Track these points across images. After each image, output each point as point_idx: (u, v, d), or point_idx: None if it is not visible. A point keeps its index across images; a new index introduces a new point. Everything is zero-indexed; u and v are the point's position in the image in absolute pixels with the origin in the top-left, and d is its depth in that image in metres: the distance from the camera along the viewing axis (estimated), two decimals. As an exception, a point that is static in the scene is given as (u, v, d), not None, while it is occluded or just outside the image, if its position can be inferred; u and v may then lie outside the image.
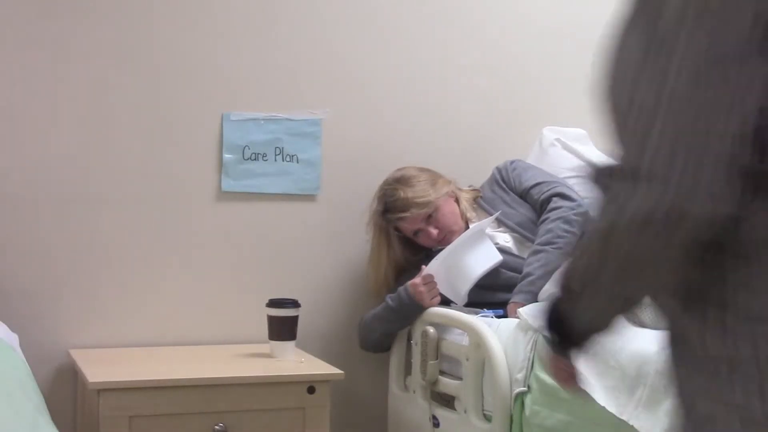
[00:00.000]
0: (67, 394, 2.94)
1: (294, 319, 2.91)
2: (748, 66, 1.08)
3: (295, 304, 2.93)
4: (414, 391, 2.96)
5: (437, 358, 2.83)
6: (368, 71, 3.25)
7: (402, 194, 3.03)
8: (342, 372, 2.79)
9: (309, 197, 3.20)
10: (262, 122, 3.14)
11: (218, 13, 3.09)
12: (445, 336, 2.84)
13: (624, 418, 2.11)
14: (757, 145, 1.10)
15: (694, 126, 1.09)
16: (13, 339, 2.65)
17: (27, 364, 2.48)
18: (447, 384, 2.81)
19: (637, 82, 1.12)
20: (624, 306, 1.28)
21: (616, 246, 1.16)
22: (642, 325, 1.83)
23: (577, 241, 1.23)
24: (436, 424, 2.83)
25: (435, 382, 2.84)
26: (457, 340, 2.79)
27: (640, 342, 2.06)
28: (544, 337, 1.38)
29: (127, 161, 3.02)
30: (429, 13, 3.30)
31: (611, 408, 2.14)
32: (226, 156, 3.10)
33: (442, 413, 2.83)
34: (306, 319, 3.00)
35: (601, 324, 1.31)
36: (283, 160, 3.16)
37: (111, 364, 2.78)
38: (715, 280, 1.16)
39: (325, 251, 3.21)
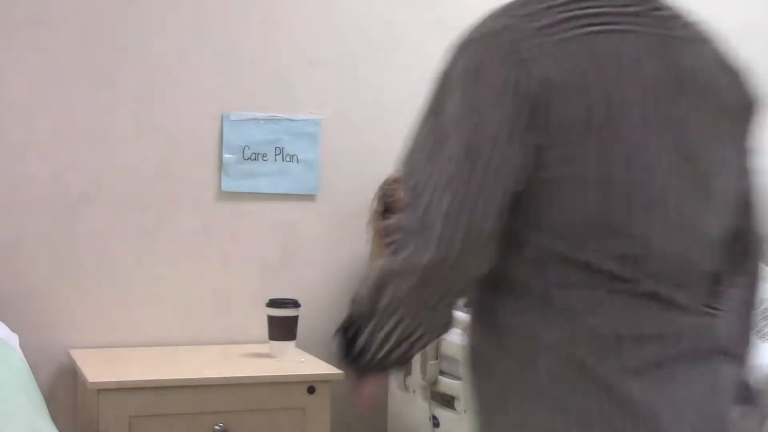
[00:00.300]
0: (67, 394, 2.94)
1: (294, 319, 2.91)
2: (502, 156, 1.34)
3: (295, 304, 2.93)
4: (414, 391, 2.96)
5: (437, 358, 2.83)
6: (368, 71, 3.24)
7: (402, 194, 3.02)
8: (342, 372, 2.79)
9: (309, 197, 3.20)
10: (262, 122, 3.14)
11: (218, 13, 3.09)
12: (445, 336, 2.83)
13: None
14: (515, 213, 1.37)
15: (456, 203, 1.35)
16: (13, 339, 2.65)
17: (27, 364, 2.48)
18: (447, 384, 2.81)
19: (420, 163, 1.42)
20: (417, 344, 1.47)
21: (392, 291, 1.40)
22: None
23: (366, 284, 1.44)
24: (436, 424, 2.83)
25: (435, 382, 2.84)
26: (457, 340, 2.79)
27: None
28: (345, 364, 1.55)
29: (127, 161, 3.02)
30: (429, 15, 3.30)
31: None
32: (226, 156, 3.10)
33: (442, 413, 2.82)
34: (306, 319, 3.00)
35: (399, 361, 1.49)
36: (282, 160, 3.16)
37: (111, 364, 2.78)
38: (496, 309, 1.42)
39: (325, 251, 3.21)
